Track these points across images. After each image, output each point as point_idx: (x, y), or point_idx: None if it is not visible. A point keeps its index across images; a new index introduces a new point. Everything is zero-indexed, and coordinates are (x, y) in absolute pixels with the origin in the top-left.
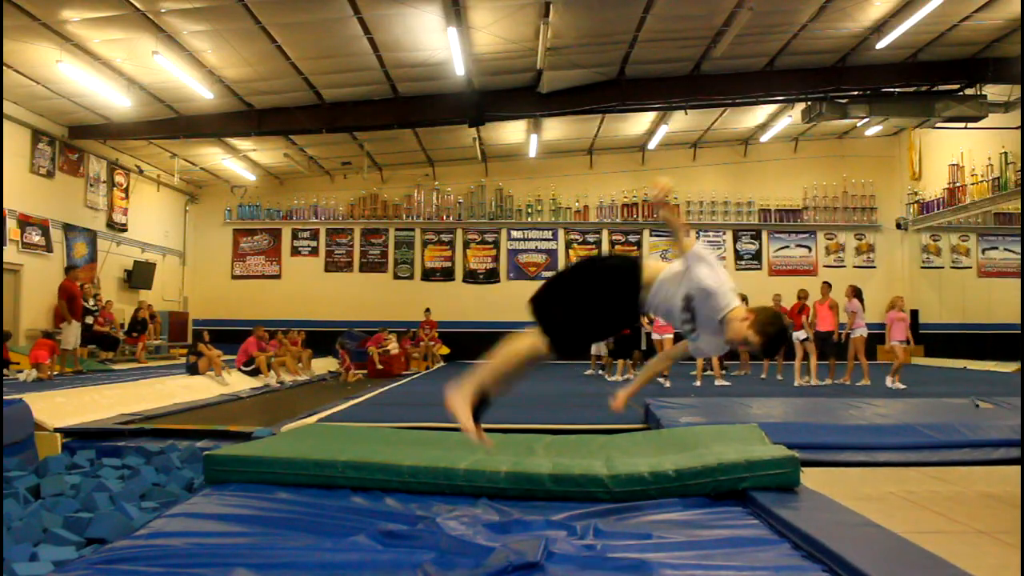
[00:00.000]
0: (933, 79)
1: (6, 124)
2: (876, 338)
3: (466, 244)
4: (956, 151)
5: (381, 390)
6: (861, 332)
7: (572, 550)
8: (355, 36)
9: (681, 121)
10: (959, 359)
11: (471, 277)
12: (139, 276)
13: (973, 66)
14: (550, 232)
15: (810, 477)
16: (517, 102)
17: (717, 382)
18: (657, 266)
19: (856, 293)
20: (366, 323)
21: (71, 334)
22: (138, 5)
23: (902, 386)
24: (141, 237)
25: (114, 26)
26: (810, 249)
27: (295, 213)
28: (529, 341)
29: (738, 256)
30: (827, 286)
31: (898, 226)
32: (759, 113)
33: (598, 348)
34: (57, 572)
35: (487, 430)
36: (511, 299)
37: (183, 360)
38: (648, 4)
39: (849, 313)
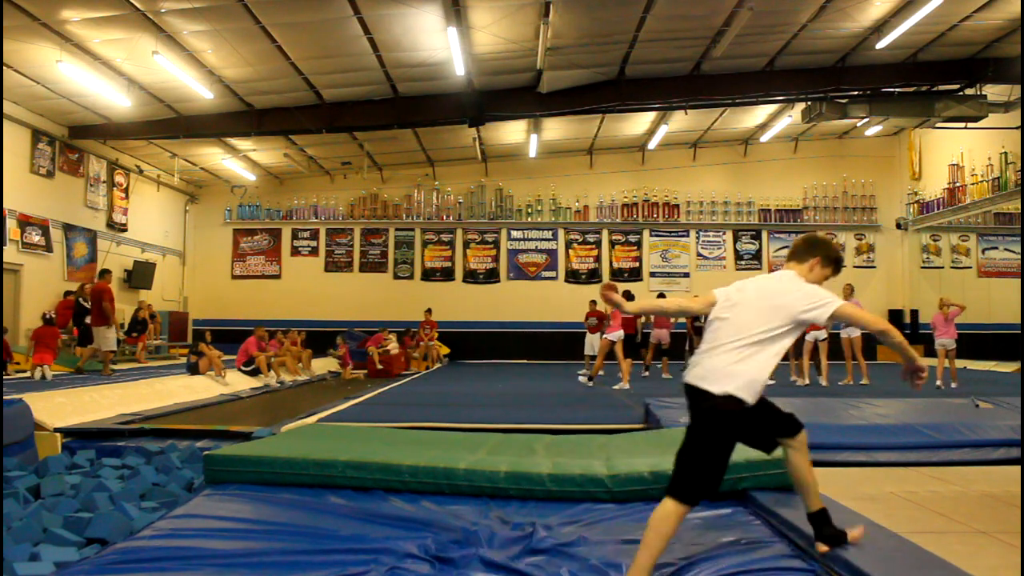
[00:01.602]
0: (933, 79)
1: (6, 124)
2: (868, 337)
3: (466, 244)
4: (956, 151)
5: (381, 390)
6: (856, 331)
7: (571, 550)
8: (355, 36)
9: (681, 121)
10: (959, 359)
11: (471, 277)
12: (139, 276)
13: (973, 66)
14: (550, 232)
15: None
16: (517, 102)
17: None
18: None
19: (852, 292)
20: (366, 323)
21: (109, 336)
22: (138, 5)
23: (954, 384)
24: (141, 237)
25: (114, 26)
26: None
27: (295, 213)
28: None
29: (738, 256)
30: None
31: (898, 226)
32: (759, 113)
33: (593, 348)
34: (59, 573)
35: (485, 429)
36: (511, 299)
37: (183, 360)
38: (648, 4)
39: None
